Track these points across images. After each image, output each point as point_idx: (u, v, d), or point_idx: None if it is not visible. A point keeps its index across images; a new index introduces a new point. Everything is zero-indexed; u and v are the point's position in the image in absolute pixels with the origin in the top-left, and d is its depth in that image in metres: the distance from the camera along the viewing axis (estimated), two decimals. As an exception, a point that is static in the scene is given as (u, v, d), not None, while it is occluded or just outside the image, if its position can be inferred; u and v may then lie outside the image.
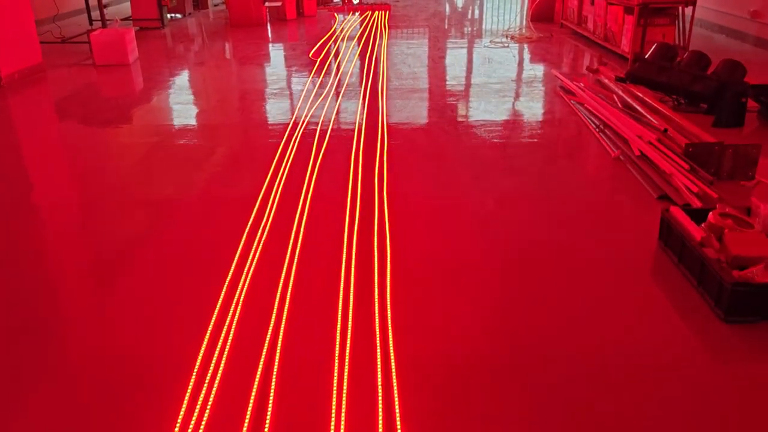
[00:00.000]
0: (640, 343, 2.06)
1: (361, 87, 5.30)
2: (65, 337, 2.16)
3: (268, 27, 8.82)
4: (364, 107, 4.67)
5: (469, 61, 6.50)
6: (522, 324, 2.16)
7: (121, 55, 6.16)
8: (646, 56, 4.77)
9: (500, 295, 2.34)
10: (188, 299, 2.33)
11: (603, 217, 2.95)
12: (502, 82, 5.49)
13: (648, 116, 3.94)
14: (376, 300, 2.27)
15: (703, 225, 2.45)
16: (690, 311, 2.21)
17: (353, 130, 4.13)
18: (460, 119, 4.48)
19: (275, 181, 3.30)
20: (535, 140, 3.97)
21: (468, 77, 5.76)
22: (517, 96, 5.05)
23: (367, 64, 6.14)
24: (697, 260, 2.32)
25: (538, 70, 5.96)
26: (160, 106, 5.02)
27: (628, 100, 4.39)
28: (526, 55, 6.70)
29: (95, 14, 9.02)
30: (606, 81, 4.98)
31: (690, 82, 4.38)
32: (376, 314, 2.20)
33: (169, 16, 9.52)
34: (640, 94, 4.41)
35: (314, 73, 5.81)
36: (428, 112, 4.62)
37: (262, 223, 2.85)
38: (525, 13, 9.37)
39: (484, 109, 4.65)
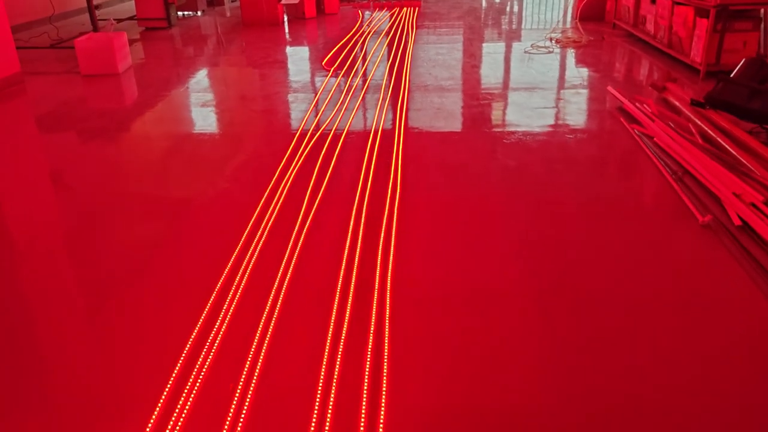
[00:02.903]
0: None
1: (376, 109, 4.45)
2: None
3: (285, 26, 8.04)
4: (376, 139, 3.82)
5: (507, 71, 5.57)
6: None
7: (110, 63, 5.43)
8: (732, 74, 3.80)
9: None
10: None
11: (697, 328, 2.06)
12: (545, 99, 4.57)
13: (746, 162, 3.00)
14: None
15: None
16: None
17: (367, 148, 3.30)
18: (490, 163, 3.60)
19: (272, 207, 2.51)
20: (589, 194, 3.07)
21: (504, 94, 4.85)
22: (564, 122, 4.13)
23: (388, 73, 5.28)
24: None
25: (588, 84, 5.01)
26: (139, 136, 4.26)
27: (711, 133, 3.44)
28: (575, 65, 5.74)
29: (99, 13, 8.38)
30: (676, 103, 4.02)
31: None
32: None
33: (180, 14, 8.83)
34: (726, 125, 3.46)
35: (323, 89, 4.98)
36: (454, 146, 3.75)
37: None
38: (571, 10, 8.35)
39: (523, 149, 3.75)
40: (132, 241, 2.71)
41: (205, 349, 1.96)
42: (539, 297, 2.21)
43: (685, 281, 2.31)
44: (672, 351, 1.94)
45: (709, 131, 3.45)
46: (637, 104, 4.05)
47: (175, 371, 1.87)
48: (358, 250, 2.53)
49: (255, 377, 1.84)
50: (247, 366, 1.88)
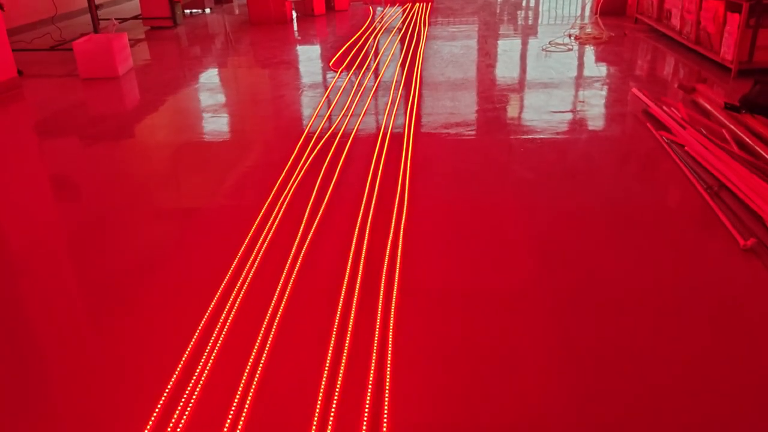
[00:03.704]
0: None
1: (384, 113, 4.20)
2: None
3: (294, 24, 7.80)
4: (384, 148, 3.57)
5: (523, 71, 5.29)
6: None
7: (109, 66, 5.24)
8: (770, 75, 3.50)
9: None
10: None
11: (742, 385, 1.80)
12: (564, 102, 4.29)
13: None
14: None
15: None
16: None
17: (374, 156, 3.06)
18: (505, 174, 3.33)
19: (275, 214, 2.29)
20: (613, 211, 2.80)
21: (521, 97, 4.57)
22: (585, 127, 3.86)
23: (399, 74, 5.02)
24: None
25: (612, 84, 4.72)
26: (135, 144, 4.06)
27: (747, 140, 3.15)
28: (595, 63, 5.44)
29: (102, 12, 8.21)
30: (707, 106, 3.73)
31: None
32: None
33: (187, 12, 8.64)
34: (765, 132, 3.17)
35: (329, 92, 4.73)
36: (466, 154, 3.49)
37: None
38: (590, 4, 8.01)
39: (540, 157, 3.48)
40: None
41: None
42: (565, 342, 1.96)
43: (726, 313, 2.04)
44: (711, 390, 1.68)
45: (746, 138, 3.16)
46: (664, 107, 3.76)
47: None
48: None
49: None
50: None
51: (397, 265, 2.34)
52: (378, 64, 5.56)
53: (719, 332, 1.96)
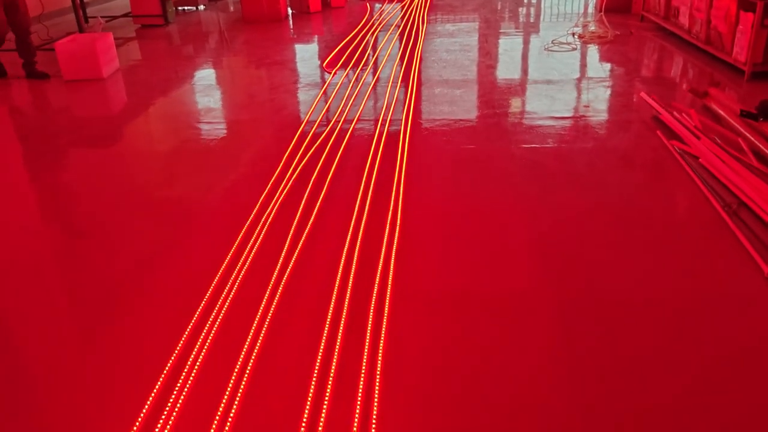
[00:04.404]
0: None
1: (378, 122, 3.98)
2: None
3: (290, 21, 7.58)
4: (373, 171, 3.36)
5: (525, 73, 5.06)
6: None
7: (93, 67, 5.02)
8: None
9: None
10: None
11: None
12: (568, 106, 4.06)
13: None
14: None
15: None
16: None
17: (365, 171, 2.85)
18: (506, 192, 3.12)
19: (262, 223, 2.09)
20: (622, 233, 2.58)
21: (522, 101, 4.35)
22: (591, 136, 3.64)
23: (394, 76, 4.80)
24: None
25: (618, 86, 4.49)
26: (115, 154, 3.85)
27: (767, 152, 2.93)
28: (600, 63, 5.20)
29: (92, 10, 7.99)
30: (721, 112, 3.50)
31: None
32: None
33: (180, 9, 8.41)
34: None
35: (320, 97, 4.51)
36: (466, 165, 3.27)
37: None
38: (594, 1, 7.77)
39: (543, 170, 3.26)
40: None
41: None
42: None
43: (746, 353, 1.82)
44: None
45: (765, 150, 2.94)
46: (675, 113, 3.53)
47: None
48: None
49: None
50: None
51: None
52: (374, 64, 5.33)
53: (740, 375, 1.75)
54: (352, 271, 2.27)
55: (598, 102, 4.15)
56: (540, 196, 2.84)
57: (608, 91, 4.38)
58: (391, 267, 2.28)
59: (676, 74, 4.91)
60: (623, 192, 2.88)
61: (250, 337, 1.94)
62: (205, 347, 1.90)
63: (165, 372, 1.81)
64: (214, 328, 1.99)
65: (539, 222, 2.60)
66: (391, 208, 2.71)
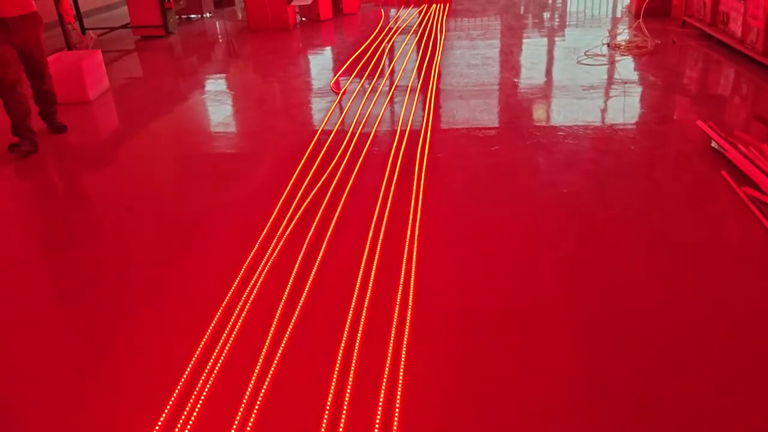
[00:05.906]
0: None
1: (393, 146, 3.46)
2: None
3: (298, 30, 7.09)
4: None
5: (552, 88, 4.49)
6: None
7: (78, 89, 4.57)
8: None
9: None
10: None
11: None
12: (609, 139, 3.49)
13: None
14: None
15: None
16: None
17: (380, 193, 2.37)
18: (539, 260, 2.58)
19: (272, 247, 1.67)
20: (681, 313, 2.04)
21: (553, 129, 3.78)
22: (640, 178, 3.08)
23: (409, 96, 4.27)
24: None
25: (665, 109, 3.91)
26: (93, 200, 3.39)
27: None
28: (641, 78, 4.62)
29: (90, 21, 7.58)
30: (797, 146, 2.92)
31: None
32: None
33: (185, 17, 7.98)
34: None
35: (322, 130, 4.01)
36: (490, 216, 2.74)
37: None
38: (627, 3, 7.16)
39: (581, 217, 2.71)
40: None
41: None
42: None
43: None
44: None
45: None
46: (740, 146, 2.96)
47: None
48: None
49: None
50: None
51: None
52: (383, 87, 4.80)
53: None
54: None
55: (643, 131, 3.56)
56: (582, 262, 2.30)
57: (654, 115, 3.80)
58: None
59: (731, 92, 4.32)
60: (684, 257, 2.32)
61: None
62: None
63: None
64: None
65: (580, 289, 2.07)
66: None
